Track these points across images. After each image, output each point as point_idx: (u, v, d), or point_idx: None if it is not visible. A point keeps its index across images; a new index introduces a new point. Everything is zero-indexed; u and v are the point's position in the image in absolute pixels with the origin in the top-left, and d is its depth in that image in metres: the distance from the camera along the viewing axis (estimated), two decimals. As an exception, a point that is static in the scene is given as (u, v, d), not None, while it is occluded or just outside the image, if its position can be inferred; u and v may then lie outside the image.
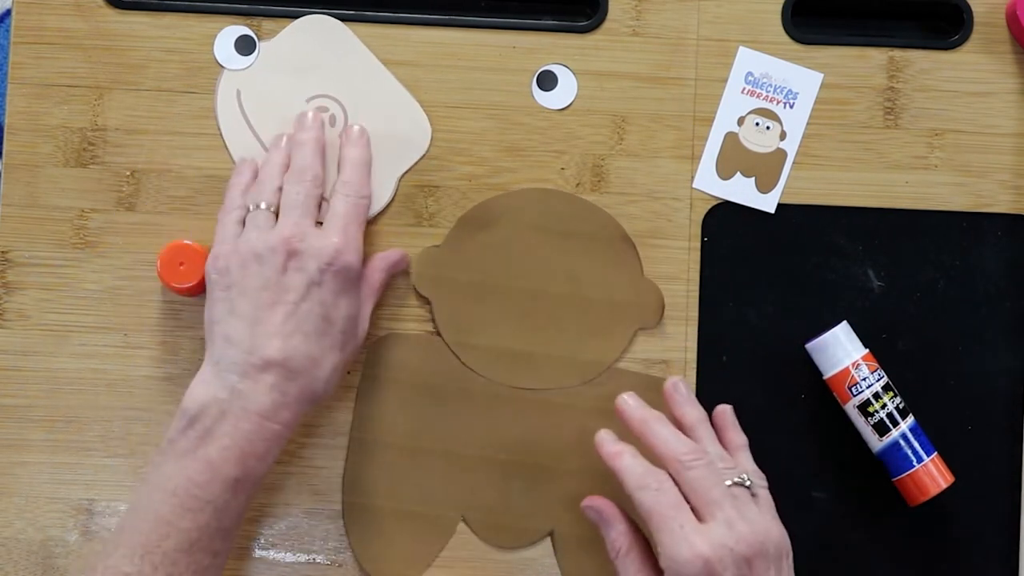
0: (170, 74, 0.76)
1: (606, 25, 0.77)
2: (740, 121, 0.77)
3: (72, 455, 0.75)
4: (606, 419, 0.73)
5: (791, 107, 0.77)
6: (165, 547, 0.64)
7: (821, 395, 0.76)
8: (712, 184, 0.77)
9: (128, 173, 0.76)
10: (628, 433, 0.70)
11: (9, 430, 0.75)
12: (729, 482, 0.67)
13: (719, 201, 0.77)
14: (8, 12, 0.84)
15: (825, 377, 0.74)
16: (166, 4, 0.76)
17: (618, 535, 0.70)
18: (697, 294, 0.77)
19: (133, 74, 0.76)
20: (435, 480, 0.75)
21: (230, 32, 0.76)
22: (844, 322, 0.75)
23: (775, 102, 0.77)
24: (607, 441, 0.70)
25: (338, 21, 0.76)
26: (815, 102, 0.77)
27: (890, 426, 0.73)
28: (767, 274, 0.77)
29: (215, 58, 0.76)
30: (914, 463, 0.73)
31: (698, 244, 0.77)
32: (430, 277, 0.76)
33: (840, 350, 0.74)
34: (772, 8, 0.77)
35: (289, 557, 0.75)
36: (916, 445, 0.73)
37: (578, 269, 0.76)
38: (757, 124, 0.77)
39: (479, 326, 0.75)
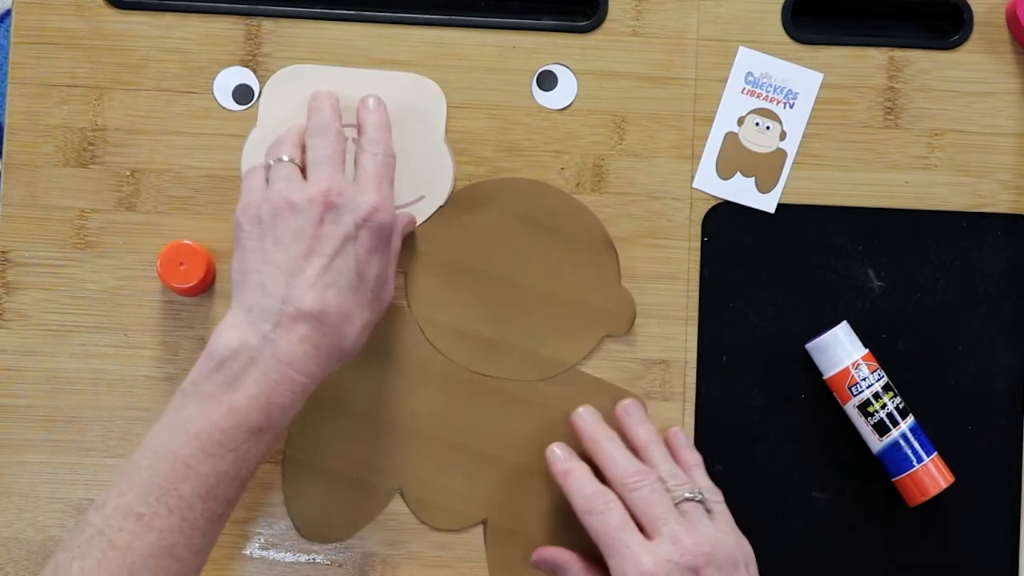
0: (170, 74, 0.76)
1: (606, 25, 0.77)
2: (740, 121, 0.77)
3: (72, 455, 0.75)
4: (559, 418, 0.74)
5: (791, 107, 0.77)
6: (182, 490, 0.63)
7: (821, 395, 0.76)
8: (712, 184, 0.77)
9: (128, 173, 0.76)
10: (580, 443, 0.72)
11: (9, 430, 0.75)
12: (681, 498, 0.68)
13: (719, 201, 0.77)
14: (8, 12, 0.84)
15: (825, 377, 0.74)
16: (166, 4, 0.77)
17: (576, 572, 0.71)
18: (697, 294, 0.77)
19: (133, 74, 0.76)
20: (379, 449, 0.75)
21: (229, 76, 0.76)
22: (844, 322, 0.75)
23: (775, 102, 0.77)
24: (559, 459, 0.71)
25: (310, 67, 0.76)
26: (815, 102, 0.77)
27: (890, 426, 0.73)
28: (767, 274, 0.77)
29: (218, 103, 0.76)
30: (914, 463, 0.73)
31: (698, 244, 0.77)
32: (409, 248, 0.76)
33: (840, 350, 0.74)
34: (772, 8, 0.77)
35: (289, 557, 0.75)
36: (916, 445, 0.73)
37: (556, 266, 0.76)
38: (757, 124, 0.77)
39: (449, 305, 0.76)
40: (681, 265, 0.77)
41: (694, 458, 0.73)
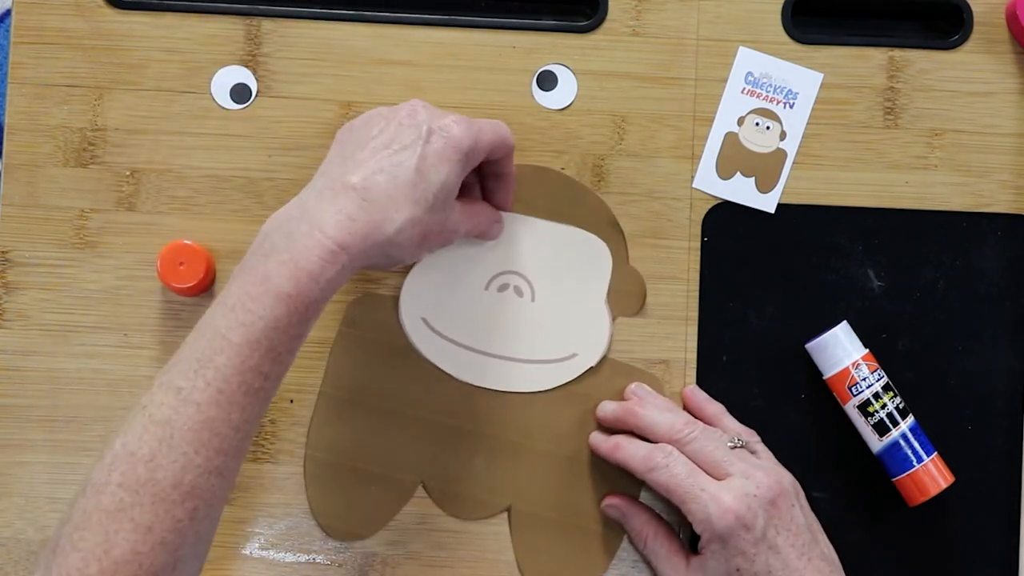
0: (170, 74, 0.76)
1: (606, 25, 0.77)
2: (740, 121, 0.77)
3: (72, 455, 0.75)
4: (575, 401, 0.75)
5: (791, 107, 0.77)
6: (217, 362, 0.62)
7: (821, 395, 0.76)
8: (712, 184, 0.77)
9: (128, 173, 0.76)
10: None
11: (9, 430, 0.75)
12: (730, 443, 0.71)
13: (719, 201, 0.77)
14: (8, 12, 0.84)
15: (825, 377, 0.74)
16: (166, 4, 0.77)
17: (642, 525, 0.74)
18: (697, 294, 0.77)
19: (133, 74, 0.76)
20: (399, 443, 0.75)
21: (226, 75, 0.76)
22: (844, 322, 0.75)
23: (775, 102, 0.77)
24: (602, 439, 0.74)
25: None
26: (815, 102, 0.77)
27: (890, 426, 0.73)
28: (767, 274, 0.77)
29: (216, 102, 0.76)
30: (914, 463, 0.73)
31: (698, 244, 0.77)
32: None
33: (840, 350, 0.74)
34: (772, 8, 0.77)
35: (289, 557, 0.75)
36: (916, 445, 0.73)
37: None
38: (757, 124, 0.77)
39: None
40: (681, 265, 0.77)
41: (716, 407, 0.75)
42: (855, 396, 0.73)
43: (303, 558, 0.75)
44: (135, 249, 0.76)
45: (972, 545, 0.77)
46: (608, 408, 0.75)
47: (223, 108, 0.76)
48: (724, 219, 0.77)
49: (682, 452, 0.70)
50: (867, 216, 0.77)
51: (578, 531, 0.75)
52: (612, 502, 0.75)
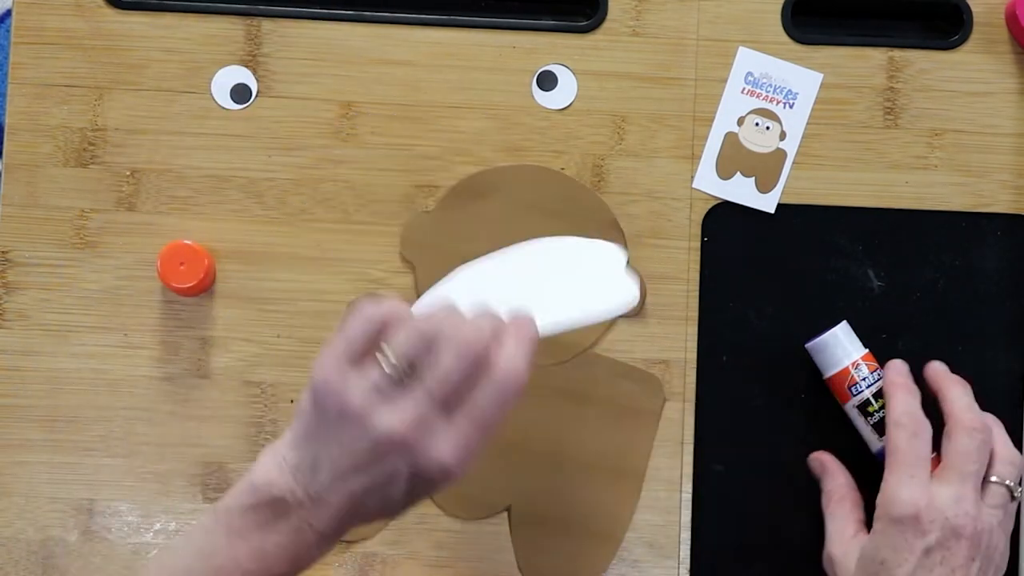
0: (170, 74, 0.76)
1: (606, 25, 0.77)
2: (740, 121, 0.77)
3: (72, 455, 0.75)
4: (575, 401, 0.75)
5: (791, 107, 0.77)
6: None
7: (821, 395, 0.76)
8: (712, 184, 0.77)
9: (128, 173, 0.76)
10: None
11: (9, 430, 0.75)
12: (995, 478, 0.68)
13: (719, 201, 0.77)
14: (8, 12, 0.84)
15: (825, 377, 0.74)
16: (166, 4, 0.77)
17: (837, 486, 0.73)
18: (697, 294, 0.77)
19: (133, 74, 0.76)
20: None
21: (226, 75, 0.76)
22: (844, 322, 0.74)
23: (775, 102, 0.77)
24: (898, 372, 0.72)
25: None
26: (815, 102, 0.77)
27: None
28: (767, 274, 0.77)
29: (216, 102, 0.76)
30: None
31: (698, 244, 0.77)
32: (416, 242, 0.76)
33: (840, 350, 0.74)
34: (772, 8, 0.77)
35: (289, 557, 0.75)
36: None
37: None
38: (757, 124, 0.77)
39: None
40: (681, 265, 0.77)
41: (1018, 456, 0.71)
42: (855, 396, 0.73)
43: (303, 558, 0.75)
44: (135, 249, 0.76)
45: (972, 545, 0.77)
46: (936, 368, 0.73)
47: (223, 108, 0.76)
48: (724, 219, 0.77)
49: (951, 436, 0.68)
50: (867, 216, 0.77)
51: (579, 531, 0.75)
52: (818, 456, 0.74)
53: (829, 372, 0.74)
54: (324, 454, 0.60)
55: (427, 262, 0.76)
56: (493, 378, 0.59)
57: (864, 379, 0.73)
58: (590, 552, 0.75)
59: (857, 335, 0.75)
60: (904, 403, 0.70)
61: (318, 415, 0.60)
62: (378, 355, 0.59)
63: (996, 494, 0.68)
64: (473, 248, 0.75)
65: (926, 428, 0.69)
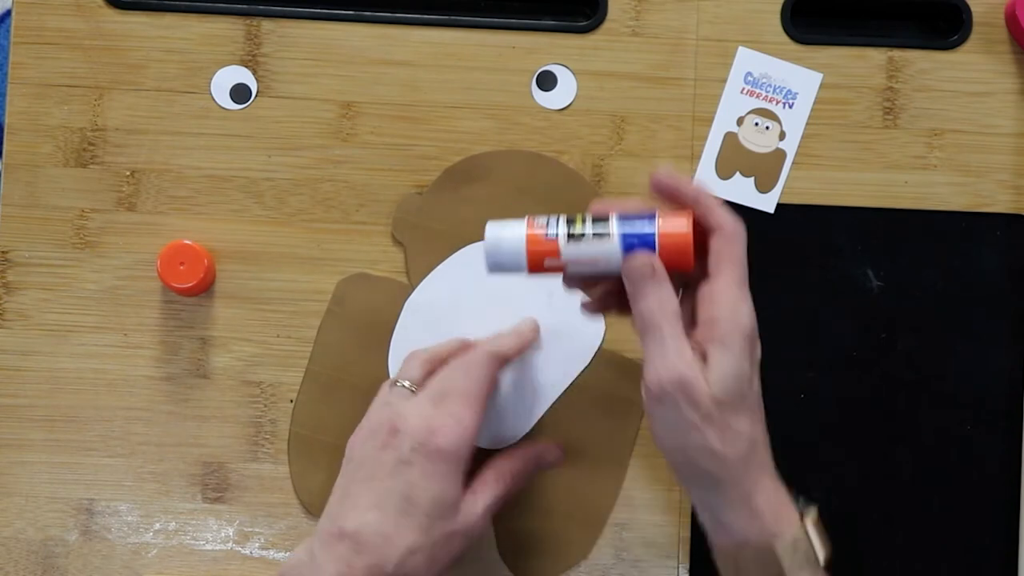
0: (170, 74, 0.76)
1: (606, 25, 0.77)
2: (739, 121, 0.77)
3: (72, 455, 0.75)
4: (569, 395, 0.75)
5: (790, 107, 0.77)
6: None
7: (821, 395, 0.76)
8: (711, 184, 0.77)
9: (128, 173, 0.76)
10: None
11: (9, 430, 0.75)
12: None
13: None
14: (8, 12, 0.84)
15: (527, 273, 0.63)
16: (166, 4, 0.77)
17: (669, 296, 0.63)
18: (697, 294, 0.77)
19: (133, 74, 0.76)
20: None
21: (226, 75, 0.76)
22: (488, 222, 0.64)
23: (774, 102, 0.77)
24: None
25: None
26: (814, 102, 0.77)
27: (606, 231, 0.62)
28: (767, 274, 0.77)
29: (216, 102, 0.76)
30: (652, 231, 0.62)
31: (698, 244, 0.77)
32: (407, 223, 0.76)
33: (507, 243, 0.63)
34: (772, 8, 0.77)
35: (289, 557, 0.75)
36: (637, 225, 0.62)
37: None
38: (756, 124, 0.77)
39: None
40: (681, 265, 0.77)
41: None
42: (563, 253, 0.62)
43: (303, 558, 0.75)
44: (135, 249, 0.76)
45: (972, 545, 0.77)
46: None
47: (223, 108, 0.76)
48: (724, 219, 0.77)
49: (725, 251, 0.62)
50: (866, 216, 0.77)
51: (560, 518, 0.75)
52: (649, 260, 0.62)
53: (521, 265, 0.63)
54: (338, 491, 0.67)
55: (416, 242, 0.76)
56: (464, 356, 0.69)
57: (547, 224, 0.63)
58: (573, 536, 0.75)
59: (856, 334, 0.75)
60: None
61: (347, 457, 0.68)
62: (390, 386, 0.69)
63: None
64: (462, 230, 0.75)
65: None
